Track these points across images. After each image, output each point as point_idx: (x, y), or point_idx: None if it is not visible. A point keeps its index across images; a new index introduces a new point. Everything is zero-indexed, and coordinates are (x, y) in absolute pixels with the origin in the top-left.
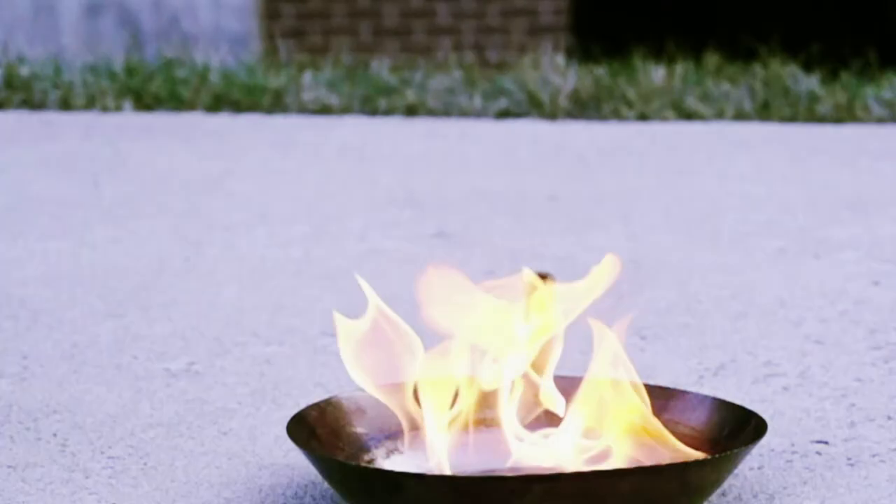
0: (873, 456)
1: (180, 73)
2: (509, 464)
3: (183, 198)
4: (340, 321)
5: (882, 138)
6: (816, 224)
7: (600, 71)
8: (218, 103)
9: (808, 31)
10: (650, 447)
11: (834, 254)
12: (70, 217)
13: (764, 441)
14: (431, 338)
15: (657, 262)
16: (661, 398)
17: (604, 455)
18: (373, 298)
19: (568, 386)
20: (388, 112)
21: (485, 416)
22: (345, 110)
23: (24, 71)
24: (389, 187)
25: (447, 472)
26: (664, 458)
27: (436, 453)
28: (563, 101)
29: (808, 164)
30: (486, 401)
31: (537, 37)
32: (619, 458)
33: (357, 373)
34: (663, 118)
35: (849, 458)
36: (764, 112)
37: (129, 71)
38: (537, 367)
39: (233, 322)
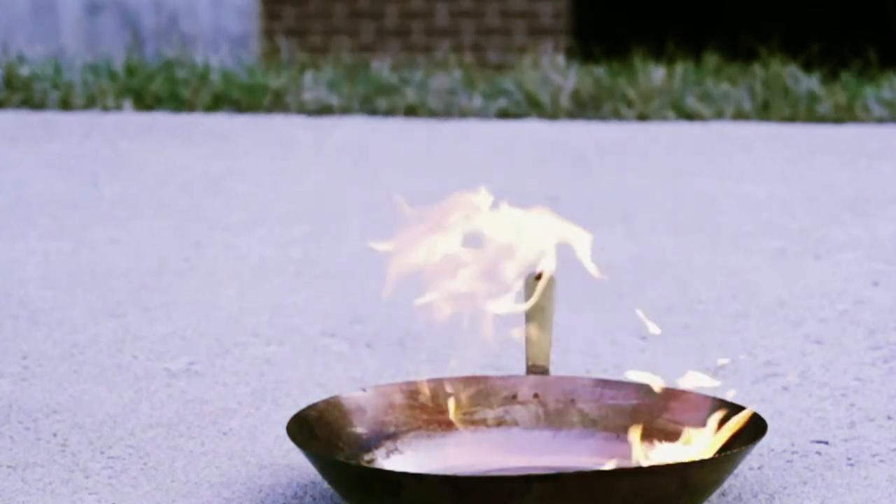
0: (873, 456)
1: (180, 73)
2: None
3: (183, 198)
4: None
5: (882, 138)
6: (816, 224)
7: (600, 71)
8: (218, 103)
9: (808, 31)
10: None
11: (834, 254)
12: (70, 217)
13: (764, 441)
14: None
15: (657, 262)
16: (661, 398)
17: None
18: None
19: (570, 386)
20: (389, 112)
21: (486, 416)
22: (345, 110)
23: (24, 71)
24: (389, 187)
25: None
26: (664, 458)
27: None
28: (563, 102)
29: (808, 164)
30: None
31: (537, 38)
32: None
33: None
34: (663, 118)
35: (849, 458)
36: (764, 112)
37: (129, 71)
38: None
39: (233, 322)
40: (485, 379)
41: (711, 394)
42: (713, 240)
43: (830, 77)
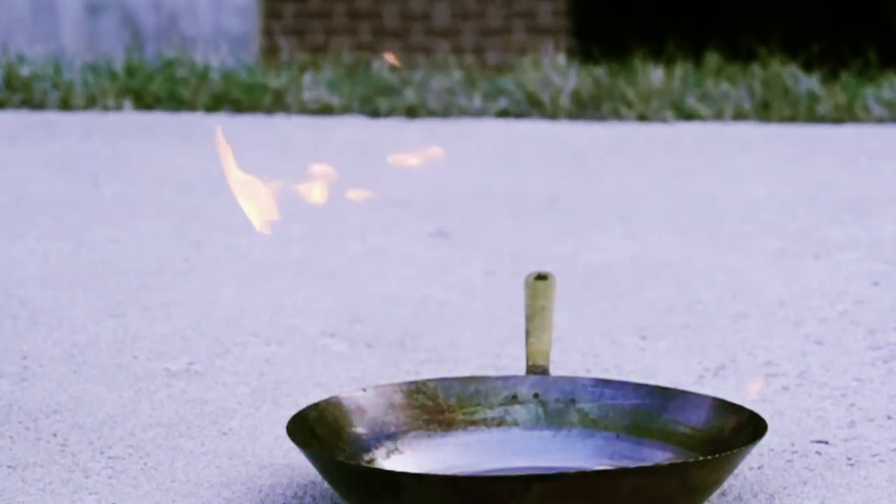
0: (873, 456)
1: (180, 73)
2: None
3: (183, 198)
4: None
5: (882, 138)
6: (816, 224)
7: (600, 72)
8: (218, 103)
9: (808, 31)
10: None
11: (834, 254)
12: (70, 217)
13: (764, 441)
14: None
15: (657, 262)
16: (661, 398)
17: None
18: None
19: (569, 386)
20: (389, 112)
21: (486, 416)
22: (345, 110)
23: (24, 71)
24: (389, 187)
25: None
26: (664, 458)
27: None
28: (563, 102)
29: (807, 164)
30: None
31: (537, 38)
32: None
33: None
34: (663, 118)
35: (849, 458)
36: (764, 112)
37: (129, 71)
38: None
39: (233, 322)
40: (485, 379)
41: (711, 394)
42: (713, 240)
43: (830, 77)
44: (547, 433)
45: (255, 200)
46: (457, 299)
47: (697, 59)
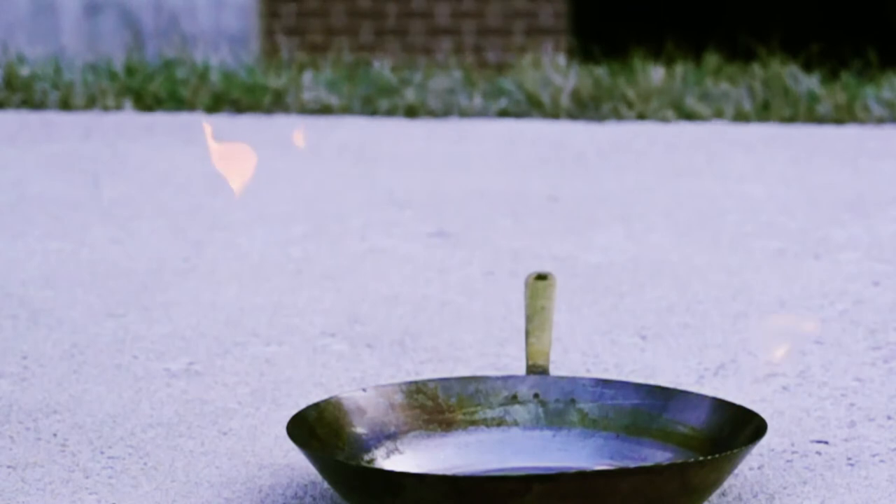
0: (873, 456)
1: (180, 73)
2: None
3: (183, 198)
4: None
5: (882, 138)
6: (816, 224)
7: (600, 71)
8: (218, 103)
9: (808, 31)
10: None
11: (834, 254)
12: (70, 217)
13: (764, 441)
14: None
15: (657, 262)
16: (661, 398)
17: None
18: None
19: (568, 386)
20: (389, 112)
21: (486, 416)
22: (345, 110)
23: (24, 71)
24: (389, 187)
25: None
26: (664, 458)
27: None
28: (563, 102)
29: (808, 164)
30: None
31: (537, 38)
32: None
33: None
34: (663, 118)
35: (849, 458)
36: (764, 112)
37: (129, 71)
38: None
39: (233, 322)
40: (484, 379)
41: (711, 394)
42: (713, 240)
43: (830, 77)
44: (547, 433)
45: (232, 165)
46: (457, 299)
47: (697, 59)
